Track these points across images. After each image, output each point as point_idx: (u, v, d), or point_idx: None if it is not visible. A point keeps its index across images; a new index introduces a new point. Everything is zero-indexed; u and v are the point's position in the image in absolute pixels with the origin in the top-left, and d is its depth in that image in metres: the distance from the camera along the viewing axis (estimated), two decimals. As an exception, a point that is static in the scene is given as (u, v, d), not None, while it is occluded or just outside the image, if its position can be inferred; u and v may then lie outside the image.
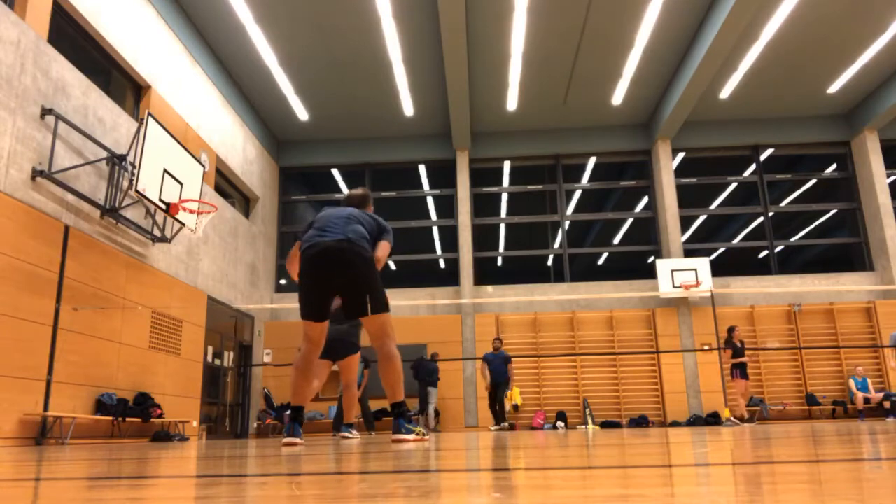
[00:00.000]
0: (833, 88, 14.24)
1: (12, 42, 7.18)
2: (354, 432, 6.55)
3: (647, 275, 14.98)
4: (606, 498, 1.04)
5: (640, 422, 13.53)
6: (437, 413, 13.07)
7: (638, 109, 15.13)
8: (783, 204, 15.66)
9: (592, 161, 16.03)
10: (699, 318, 14.18)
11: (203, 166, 10.12)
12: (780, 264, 15.08)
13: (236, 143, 13.38)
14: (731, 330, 11.52)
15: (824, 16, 11.77)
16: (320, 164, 16.12)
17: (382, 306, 4.14)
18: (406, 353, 13.50)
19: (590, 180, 16.11)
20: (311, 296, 4.13)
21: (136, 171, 8.25)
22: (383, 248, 4.40)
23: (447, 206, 15.97)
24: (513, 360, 12.18)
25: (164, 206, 8.82)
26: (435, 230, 16.13)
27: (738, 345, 11.41)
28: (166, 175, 8.86)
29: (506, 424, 11.82)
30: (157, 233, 9.79)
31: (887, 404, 12.58)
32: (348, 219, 4.29)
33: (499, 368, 11.82)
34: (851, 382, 13.40)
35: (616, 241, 16.13)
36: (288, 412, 4.37)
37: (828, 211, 15.57)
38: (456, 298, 14.69)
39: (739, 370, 11.34)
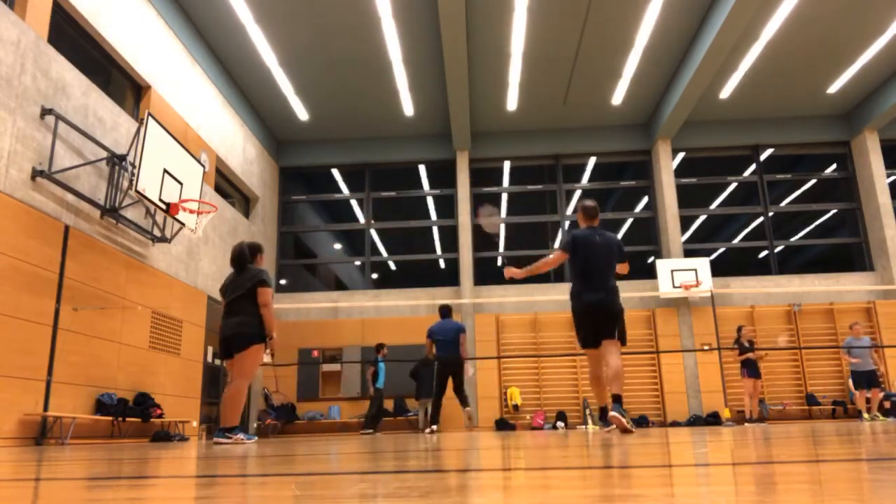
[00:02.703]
0: (833, 88, 14.24)
1: (12, 42, 7.18)
2: (241, 436, 5.67)
3: (647, 275, 14.98)
4: (606, 498, 1.04)
5: (640, 422, 13.52)
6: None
7: (638, 109, 15.13)
8: (783, 204, 15.66)
9: (592, 161, 16.03)
10: (699, 319, 14.18)
11: (203, 166, 10.11)
12: (780, 264, 15.08)
13: (236, 143, 13.38)
14: (739, 329, 11.64)
15: (824, 16, 11.77)
16: (320, 164, 16.12)
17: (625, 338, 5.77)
18: (406, 353, 13.54)
19: (590, 180, 16.11)
20: (587, 333, 5.74)
21: (136, 171, 8.25)
22: (624, 268, 5.89)
23: (447, 206, 15.96)
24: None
25: (164, 206, 8.81)
26: (435, 230, 16.13)
27: (746, 344, 11.46)
28: (166, 175, 8.86)
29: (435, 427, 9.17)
30: (157, 233, 9.79)
31: (887, 404, 12.57)
32: (608, 267, 5.76)
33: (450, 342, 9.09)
34: (850, 383, 13.39)
35: (616, 241, 16.10)
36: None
37: (828, 211, 15.57)
38: (456, 298, 14.69)
39: (748, 369, 11.39)
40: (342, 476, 1.74)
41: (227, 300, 5.88)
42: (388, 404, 13.96)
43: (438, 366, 9.13)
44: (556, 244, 6.07)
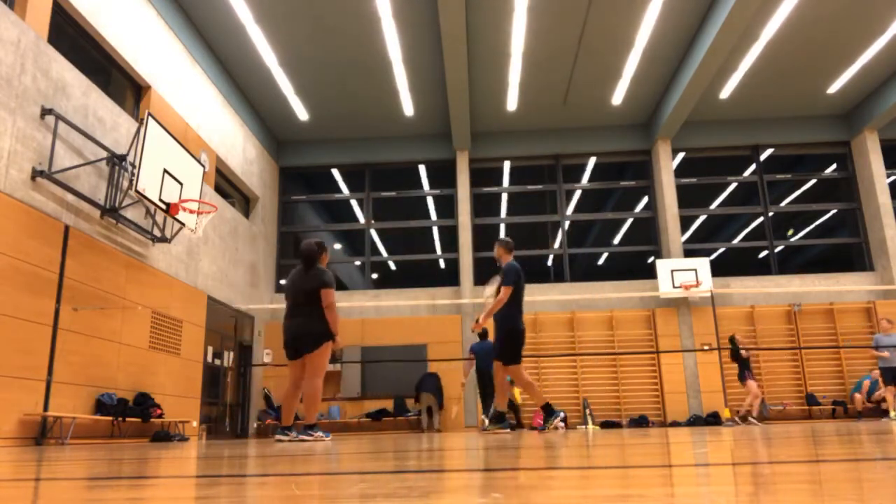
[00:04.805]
0: (833, 88, 14.24)
1: (12, 42, 7.18)
2: (319, 433, 5.97)
3: (647, 275, 14.98)
4: (606, 498, 1.04)
5: (640, 422, 13.52)
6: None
7: (638, 109, 15.13)
8: (783, 204, 15.66)
9: (592, 161, 16.02)
10: (699, 319, 14.18)
11: (203, 166, 10.11)
12: (780, 264, 15.08)
13: (236, 143, 13.38)
14: (732, 340, 11.70)
15: (824, 16, 11.77)
16: (320, 164, 16.12)
17: None
18: (406, 353, 13.54)
19: (590, 180, 16.11)
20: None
21: (136, 171, 8.25)
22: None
23: (447, 206, 15.96)
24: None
25: (164, 206, 8.81)
26: (435, 230, 16.12)
27: (744, 353, 11.48)
28: (166, 175, 8.86)
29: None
30: (157, 233, 9.79)
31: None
32: None
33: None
34: (867, 383, 13.23)
35: (616, 241, 16.13)
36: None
37: (828, 211, 15.57)
38: (456, 298, 14.68)
39: (749, 371, 11.42)
40: (342, 476, 1.74)
41: (293, 300, 5.99)
42: (388, 404, 13.96)
43: (482, 374, 10.99)
44: (504, 279, 7.18)
